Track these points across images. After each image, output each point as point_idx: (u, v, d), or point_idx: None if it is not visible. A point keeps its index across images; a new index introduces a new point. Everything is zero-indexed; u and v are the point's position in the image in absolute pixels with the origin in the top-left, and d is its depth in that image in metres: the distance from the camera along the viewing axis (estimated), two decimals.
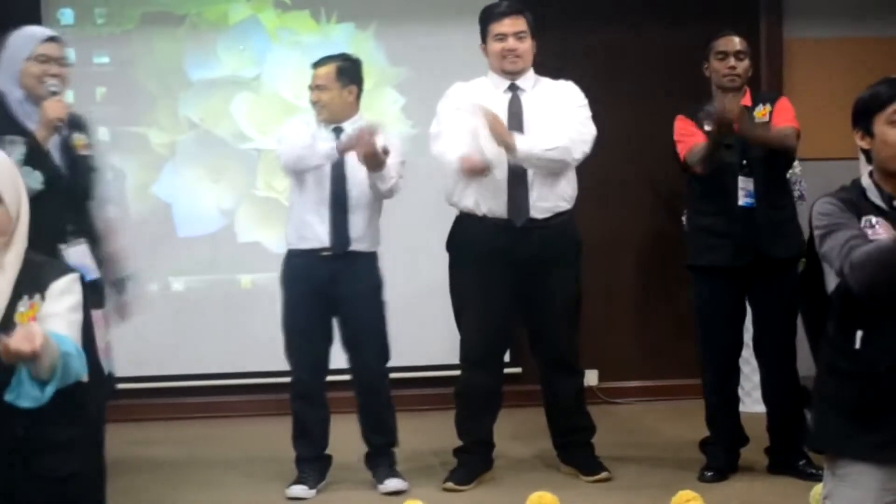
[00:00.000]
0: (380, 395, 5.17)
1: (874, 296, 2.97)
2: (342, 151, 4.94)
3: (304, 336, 5.10)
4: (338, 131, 5.08)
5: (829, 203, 3.12)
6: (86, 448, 2.86)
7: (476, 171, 4.89)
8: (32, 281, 2.78)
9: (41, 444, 2.73)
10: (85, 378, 2.77)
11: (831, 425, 3.10)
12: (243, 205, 6.71)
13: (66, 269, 2.88)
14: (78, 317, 2.81)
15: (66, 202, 4.24)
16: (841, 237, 3.02)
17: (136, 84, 6.65)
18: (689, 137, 5.09)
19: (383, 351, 5.18)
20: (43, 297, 2.77)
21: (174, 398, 6.66)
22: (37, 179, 4.10)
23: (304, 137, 5.02)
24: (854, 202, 3.10)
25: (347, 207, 5.04)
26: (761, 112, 5.12)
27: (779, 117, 5.10)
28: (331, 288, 5.04)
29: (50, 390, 2.65)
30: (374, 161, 4.86)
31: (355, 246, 5.06)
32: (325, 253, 5.04)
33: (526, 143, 4.92)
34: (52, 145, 4.31)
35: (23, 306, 2.75)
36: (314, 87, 5.10)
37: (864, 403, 3.02)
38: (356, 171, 5.01)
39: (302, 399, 5.13)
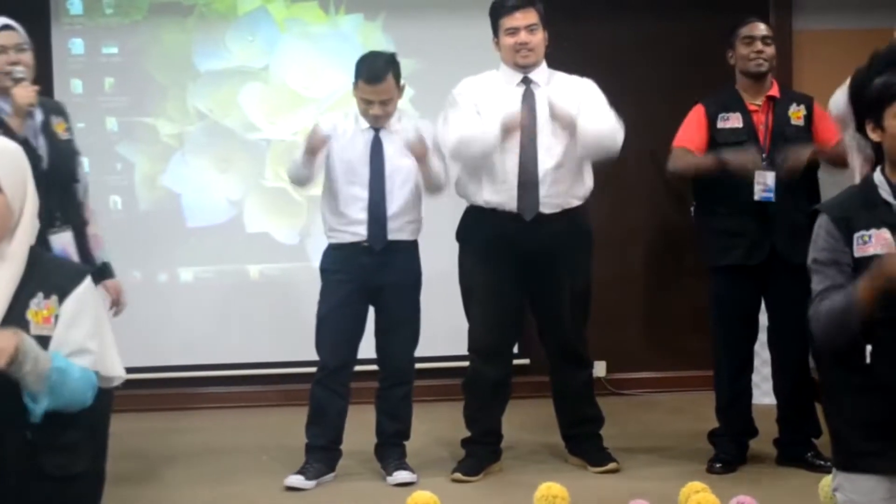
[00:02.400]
0: (402, 386, 5.19)
1: (831, 350, 3.00)
2: (311, 153, 5.02)
3: (338, 328, 5.08)
4: (378, 129, 5.07)
5: (822, 228, 3.09)
6: (91, 450, 2.86)
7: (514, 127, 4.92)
8: (46, 279, 2.74)
9: (49, 445, 2.73)
10: (89, 401, 2.77)
11: (857, 444, 3.05)
12: (252, 195, 6.71)
13: (80, 272, 2.85)
14: (95, 343, 2.80)
15: (50, 189, 4.12)
16: (819, 283, 3.04)
17: (145, 74, 6.65)
18: (686, 136, 5.10)
19: (414, 340, 5.20)
20: (60, 301, 2.75)
21: (181, 388, 6.66)
22: None
23: (294, 161, 5.10)
24: (849, 217, 3.05)
25: (385, 199, 5.04)
26: (796, 113, 5.10)
27: (823, 127, 5.10)
28: (371, 279, 5.05)
29: (40, 407, 2.66)
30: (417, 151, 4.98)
31: (395, 235, 5.06)
32: (366, 244, 5.05)
33: (587, 122, 4.92)
34: (31, 132, 4.33)
35: (36, 305, 2.72)
36: (377, 103, 5.00)
37: (882, 417, 3.01)
38: (394, 161, 5.04)
39: (324, 387, 5.10)
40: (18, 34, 4.41)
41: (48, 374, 2.65)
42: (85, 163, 6.43)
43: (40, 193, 2.74)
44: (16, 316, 2.71)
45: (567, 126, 4.92)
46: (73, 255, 4.38)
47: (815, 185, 5.16)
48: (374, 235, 5.04)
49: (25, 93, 4.30)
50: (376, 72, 5.01)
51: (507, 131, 4.91)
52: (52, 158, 4.38)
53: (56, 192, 4.31)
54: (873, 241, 3.00)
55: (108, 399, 2.89)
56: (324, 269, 5.17)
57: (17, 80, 4.30)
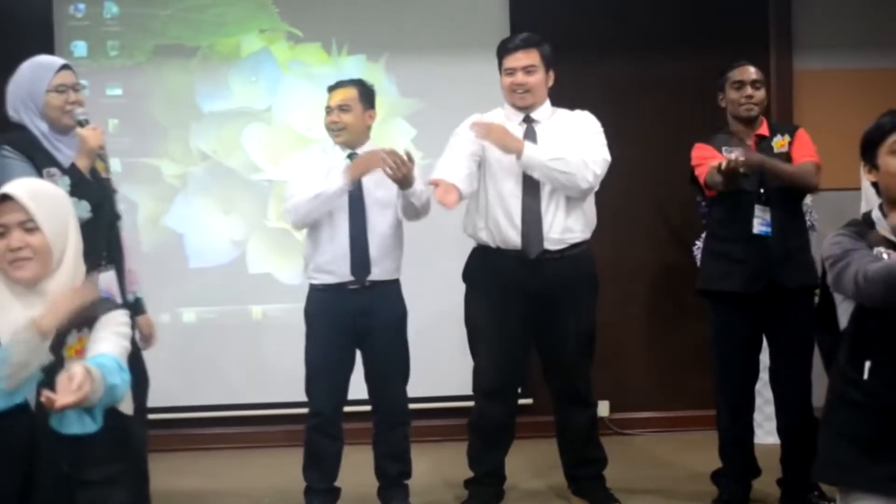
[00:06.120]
0: (400, 427, 5.17)
1: (887, 309, 2.97)
2: (354, 177, 4.92)
3: (327, 370, 5.06)
4: (353, 157, 5.07)
5: (839, 235, 3.13)
6: (130, 482, 2.86)
7: (446, 199, 4.77)
8: (83, 315, 2.80)
9: (86, 479, 2.73)
10: (128, 398, 2.80)
11: (840, 456, 3.09)
12: (255, 236, 6.73)
13: (112, 306, 2.90)
14: (124, 340, 2.84)
15: (98, 228, 4.22)
16: (856, 257, 3.03)
17: (149, 116, 6.68)
18: (709, 161, 5.07)
19: (406, 378, 5.17)
20: (90, 328, 2.79)
21: (182, 430, 6.65)
22: (84, 209, 4.09)
23: (311, 190, 4.97)
24: (864, 235, 3.11)
25: (367, 236, 5.02)
26: (780, 143, 5.12)
27: (799, 151, 5.09)
28: (357, 321, 5.02)
29: (99, 418, 2.68)
30: (403, 175, 4.84)
31: (379, 275, 5.03)
32: (352, 286, 5.02)
33: (533, 150, 4.90)
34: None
35: (72, 339, 2.77)
36: (335, 109, 5.07)
37: (874, 435, 3.02)
38: (374, 199, 5.02)
39: (318, 430, 5.09)
40: (75, 74, 4.42)
41: (103, 393, 2.67)
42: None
43: (100, 234, 2.78)
44: (55, 356, 2.74)
45: (508, 149, 4.90)
46: (117, 294, 4.37)
47: (802, 215, 5.23)
48: (357, 270, 5.00)
49: (95, 135, 4.30)
50: (338, 82, 5.16)
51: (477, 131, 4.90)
52: (99, 198, 4.35)
53: (103, 230, 4.32)
54: (889, 259, 3.04)
55: (143, 431, 2.92)
56: (309, 313, 5.13)
57: (82, 123, 4.30)
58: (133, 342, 2.91)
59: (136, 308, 4.62)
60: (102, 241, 4.29)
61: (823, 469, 3.19)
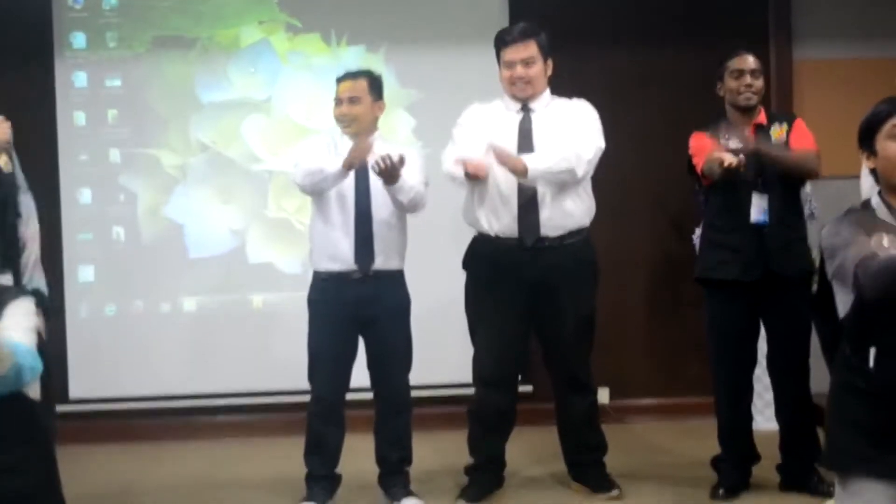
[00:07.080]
0: (402, 414, 5.17)
1: (889, 304, 2.98)
2: (349, 167, 4.91)
3: (329, 358, 5.06)
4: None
5: (838, 223, 3.14)
6: (39, 468, 2.86)
7: (478, 174, 4.86)
8: None
9: None
10: (35, 384, 2.80)
11: (846, 443, 3.10)
12: (254, 226, 6.73)
13: (25, 294, 2.91)
14: (31, 328, 2.84)
15: (6, 226, 4.06)
16: (854, 249, 3.03)
17: (148, 106, 6.68)
18: (706, 150, 5.09)
19: (409, 366, 5.18)
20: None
21: (184, 418, 6.67)
22: None
23: (314, 162, 4.97)
24: (862, 223, 3.11)
25: (372, 226, 5.02)
26: (778, 132, 5.12)
27: (797, 140, 5.10)
28: (360, 309, 5.02)
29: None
30: (388, 173, 4.83)
31: (382, 265, 5.03)
32: (355, 276, 5.01)
33: (535, 163, 4.90)
34: None
35: None
36: (345, 100, 5.06)
37: (879, 422, 3.03)
38: (380, 188, 5.00)
39: (320, 417, 5.10)
40: None
41: (10, 368, 2.67)
42: (87, 194, 6.61)
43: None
44: None
45: (514, 171, 4.89)
46: None
47: (799, 204, 5.23)
48: (360, 259, 5.00)
49: (2, 129, 4.15)
50: (347, 73, 5.15)
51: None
52: (3, 195, 4.16)
53: (5, 228, 4.15)
54: (891, 247, 3.04)
55: (50, 419, 2.91)
56: (312, 300, 5.13)
57: None
58: (38, 332, 2.90)
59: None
60: (4, 239, 4.11)
61: (832, 457, 3.18)
